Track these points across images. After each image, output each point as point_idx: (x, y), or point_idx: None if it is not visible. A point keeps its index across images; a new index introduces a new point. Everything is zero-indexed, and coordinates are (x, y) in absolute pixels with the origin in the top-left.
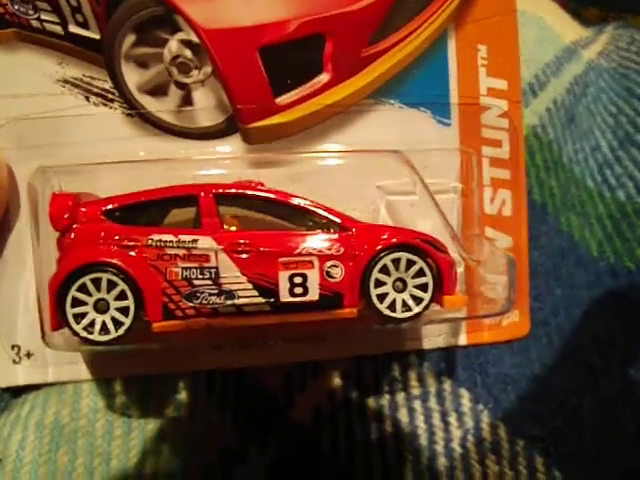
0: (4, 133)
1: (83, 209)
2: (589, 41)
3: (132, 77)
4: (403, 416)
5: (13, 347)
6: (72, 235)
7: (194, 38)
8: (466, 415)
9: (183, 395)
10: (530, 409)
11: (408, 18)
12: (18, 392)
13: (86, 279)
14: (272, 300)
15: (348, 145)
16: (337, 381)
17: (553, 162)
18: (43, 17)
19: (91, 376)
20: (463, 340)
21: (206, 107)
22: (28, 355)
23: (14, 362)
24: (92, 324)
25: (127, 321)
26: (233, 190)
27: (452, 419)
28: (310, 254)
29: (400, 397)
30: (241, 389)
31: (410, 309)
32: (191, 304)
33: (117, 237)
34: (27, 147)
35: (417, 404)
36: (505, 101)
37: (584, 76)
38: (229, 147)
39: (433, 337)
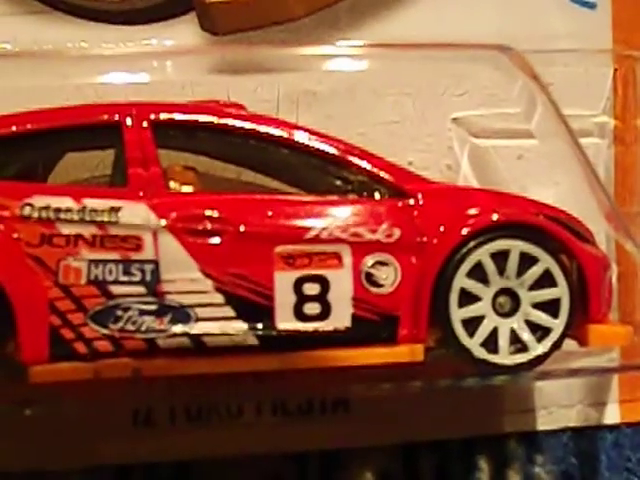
0: None
1: None
2: None
3: None
4: None
5: None
6: None
7: None
8: None
9: None
10: None
11: None
12: None
13: None
14: (262, 326)
15: (397, 39)
16: None
17: None
18: None
19: None
20: (614, 416)
21: None
22: None
23: None
24: None
25: None
26: (188, 116)
27: None
28: (335, 240)
29: None
30: None
31: (526, 348)
32: (105, 331)
33: None
34: None
35: None
36: None
37: None
38: (176, 38)
39: (556, 408)
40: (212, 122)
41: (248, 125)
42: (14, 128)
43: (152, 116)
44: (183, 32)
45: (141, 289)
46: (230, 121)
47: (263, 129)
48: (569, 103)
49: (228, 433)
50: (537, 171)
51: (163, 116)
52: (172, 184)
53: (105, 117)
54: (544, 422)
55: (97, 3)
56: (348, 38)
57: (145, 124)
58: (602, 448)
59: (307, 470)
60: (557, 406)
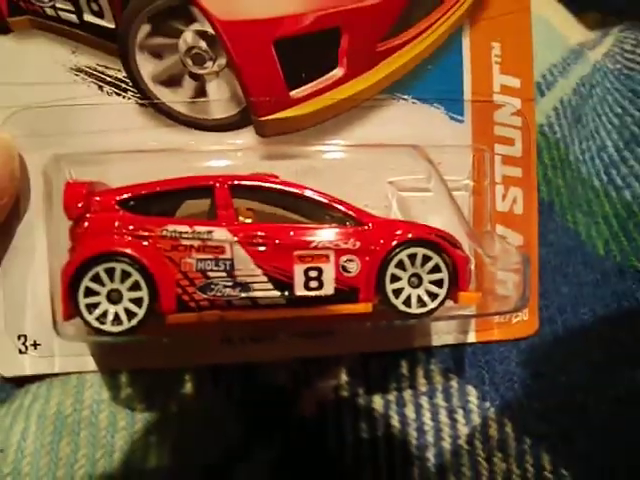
0: (15, 121)
1: (97, 198)
2: (595, 43)
3: (146, 67)
4: (410, 412)
5: (19, 337)
6: (85, 224)
7: (209, 29)
8: (473, 412)
9: (189, 389)
10: (537, 407)
11: (424, 13)
12: (21, 382)
13: (100, 269)
14: (287, 293)
15: (361, 140)
16: (344, 377)
17: (560, 161)
18: (58, 5)
19: (97, 368)
20: (472, 338)
21: (220, 99)
22: (35, 345)
23: (20, 352)
24: (105, 315)
25: (140, 312)
26: (249, 182)
27: (459, 416)
28: (326, 248)
29: (407, 394)
30: (248, 384)
31: (425, 305)
32: (205, 296)
33: (132, 227)
34: (38, 135)
35: (424, 401)
36: (518, 99)
37: (590, 77)
38: (242, 139)
39: (442, 334)
40: (261, 185)
41: (280, 187)
42: (158, 189)
43: (229, 182)
44: (247, 135)
45: (224, 274)
46: (271, 184)
47: (288, 188)
48: (450, 173)
49: (270, 348)
50: (433, 210)
51: (236, 182)
52: (240, 218)
53: (205, 182)
54: (436, 341)
55: (201, 120)
56: (333, 139)
57: (226, 186)
58: (465, 355)
59: (309, 369)
60: (442, 333)
